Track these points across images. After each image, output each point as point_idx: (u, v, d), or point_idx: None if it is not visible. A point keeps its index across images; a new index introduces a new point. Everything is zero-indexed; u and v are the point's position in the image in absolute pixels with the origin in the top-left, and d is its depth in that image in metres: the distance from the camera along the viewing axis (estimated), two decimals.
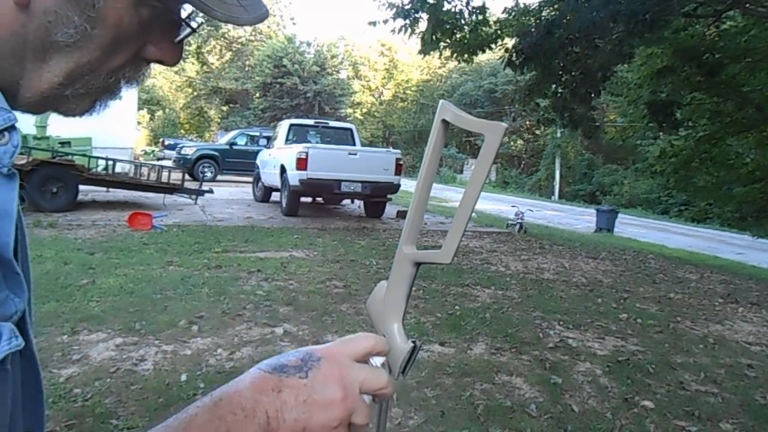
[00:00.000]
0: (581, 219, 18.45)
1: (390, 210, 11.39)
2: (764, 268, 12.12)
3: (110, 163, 9.68)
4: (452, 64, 44.64)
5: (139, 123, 32.70)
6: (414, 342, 0.91)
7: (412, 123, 48.29)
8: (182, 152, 17.22)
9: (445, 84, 49.41)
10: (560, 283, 6.38)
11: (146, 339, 3.53)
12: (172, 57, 0.55)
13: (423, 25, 7.77)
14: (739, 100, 11.24)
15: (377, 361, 0.60)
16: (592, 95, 9.24)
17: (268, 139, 13.72)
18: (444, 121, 0.84)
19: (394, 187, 10.00)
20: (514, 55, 8.00)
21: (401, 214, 11.48)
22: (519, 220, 11.00)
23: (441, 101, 0.86)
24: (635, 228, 17.42)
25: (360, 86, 48.54)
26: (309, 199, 11.24)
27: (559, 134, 33.14)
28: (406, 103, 50.84)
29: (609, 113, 30.18)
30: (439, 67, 49.50)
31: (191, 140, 31.49)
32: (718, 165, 12.83)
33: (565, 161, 36.35)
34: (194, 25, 0.55)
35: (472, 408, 2.97)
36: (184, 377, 3.01)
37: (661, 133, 14.06)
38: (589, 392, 3.33)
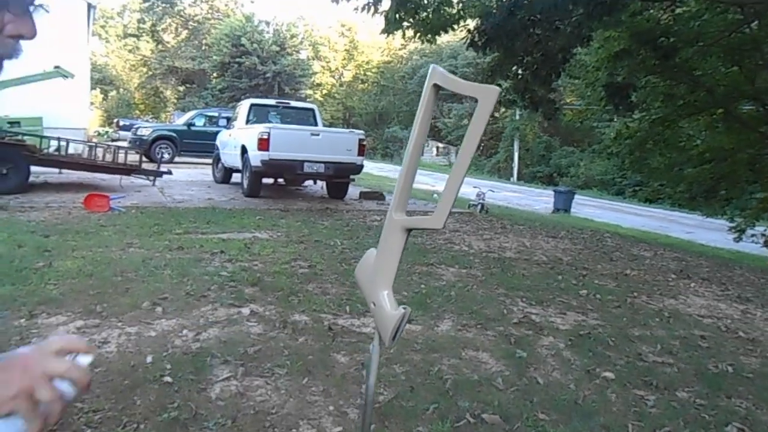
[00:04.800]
0: (539, 200, 18.81)
1: (353, 191, 11.37)
2: (712, 246, 12.62)
3: (63, 143, 9.34)
4: (413, 45, 44.53)
5: (91, 103, 31.61)
6: (404, 308, 0.91)
7: (373, 105, 48.13)
8: (138, 133, 16.76)
9: (406, 65, 49.29)
10: (522, 262, 6.51)
11: (108, 321, 3.45)
12: (28, 30, 0.65)
13: (386, 4, 7.72)
14: (691, 83, 11.55)
15: (84, 359, 0.69)
16: (553, 77, 9.37)
17: (228, 119, 13.46)
18: (435, 86, 0.84)
19: (357, 168, 9.97)
20: (477, 35, 8.03)
21: (364, 195, 11.46)
22: (480, 201, 11.14)
23: (432, 65, 0.86)
24: (591, 208, 17.85)
25: (320, 67, 48.02)
26: (270, 180, 11.11)
27: (517, 117, 33.57)
28: (366, 84, 50.57)
29: (566, 95, 30.69)
30: (400, 49, 49.33)
31: (147, 121, 30.67)
32: (670, 147, 13.22)
33: (524, 143, 36.89)
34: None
35: (441, 382, 3.01)
36: (149, 359, 2.96)
37: (615, 116, 14.38)
38: (552, 365, 3.42)
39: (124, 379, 2.74)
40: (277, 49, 38.66)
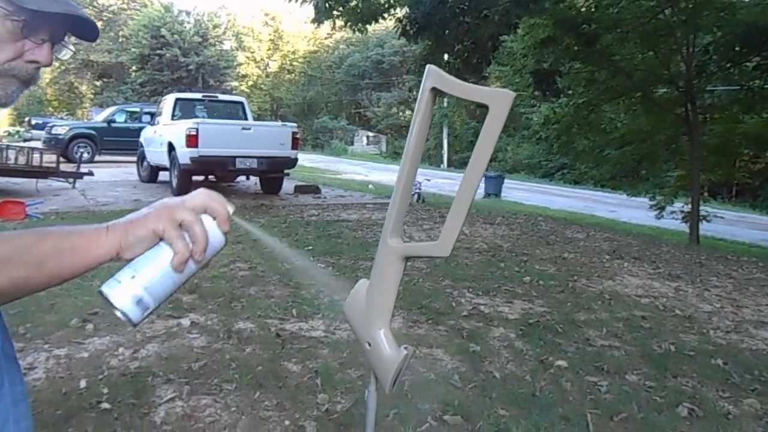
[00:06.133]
0: None
1: (288, 185, 11.10)
2: (635, 223, 13.21)
3: None
4: (339, 34, 44.14)
5: None
6: (406, 349, 0.80)
7: (301, 95, 47.47)
8: (53, 132, 15.72)
9: (333, 55, 48.87)
10: (463, 250, 6.52)
11: (33, 344, 3.15)
12: (44, 58, 0.73)
13: None
14: (612, 68, 11.96)
15: (208, 221, 0.74)
16: (483, 65, 9.45)
17: (152, 115, 12.84)
18: (433, 89, 0.72)
19: (292, 162, 9.72)
20: (408, 24, 7.97)
21: (300, 189, 11.22)
22: (417, 190, 11.14)
23: (428, 66, 0.74)
24: (520, 192, 18.28)
25: (245, 58, 46.79)
26: (201, 178, 10.68)
27: (445, 104, 33.95)
28: (293, 74, 49.78)
29: (491, 82, 31.30)
30: (326, 38, 48.81)
31: (62, 118, 28.98)
32: (594, 130, 13.69)
33: (452, 130, 37.44)
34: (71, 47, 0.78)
35: (399, 385, 2.91)
36: (83, 383, 2.71)
37: (540, 102, 14.74)
38: (506, 357, 3.41)
39: (56, 409, 2.49)
40: (200, 39, 37.31)
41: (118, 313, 0.70)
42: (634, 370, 3.35)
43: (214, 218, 0.75)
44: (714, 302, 5.04)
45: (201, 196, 0.76)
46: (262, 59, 50.08)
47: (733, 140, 13.56)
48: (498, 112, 0.63)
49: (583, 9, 11.21)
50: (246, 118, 10.77)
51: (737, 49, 10.68)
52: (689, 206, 12.17)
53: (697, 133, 11.39)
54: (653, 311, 4.59)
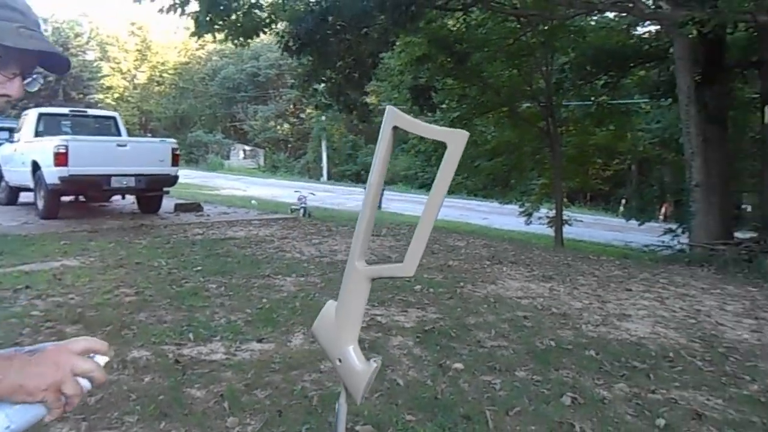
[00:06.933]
0: (351, 198, 19.35)
1: (167, 203, 10.63)
2: (507, 230, 14.12)
3: None
4: (211, 46, 42.96)
5: None
6: (375, 361, 0.87)
7: (172, 108, 45.51)
8: None
9: (206, 67, 47.44)
10: None
11: None
12: (15, 92, 0.76)
13: (194, 5, 7.35)
14: (482, 85, 12.79)
15: (101, 359, 0.82)
16: (364, 81, 9.72)
17: (10, 131, 11.74)
18: (395, 128, 0.81)
19: (172, 179, 9.33)
20: (291, 40, 8.02)
21: (181, 207, 10.79)
22: (303, 205, 11.13)
23: (388, 106, 0.83)
24: (399, 203, 18.80)
25: (110, 69, 44.04)
26: (69, 198, 9.93)
27: (323, 117, 34.21)
28: (163, 86, 47.64)
29: (370, 96, 31.99)
30: (197, 49, 47.31)
31: None
32: (467, 143, 14.52)
33: (331, 143, 37.75)
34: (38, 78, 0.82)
35: (307, 401, 2.96)
36: None
37: (418, 116, 15.38)
38: (408, 364, 3.55)
39: None
40: (60, 49, 34.66)
41: None
42: (522, 366, 3.63)
43: (92, 382, 0.80)
44: (583, 299, 5.56)
45: (89, 364, 0.78)
46: (128, 70, 47.40)
47: (587, 150, 14.98)
48: (455, 148, 0.74)
49: (454, 29, 11.90)
50: (119, 134, 10.19)
51: (588, 68, 11.89)
52: (554, 212, 13.25)
53: (557, 145, 12.47)
54: (533, 311, 4.97)
